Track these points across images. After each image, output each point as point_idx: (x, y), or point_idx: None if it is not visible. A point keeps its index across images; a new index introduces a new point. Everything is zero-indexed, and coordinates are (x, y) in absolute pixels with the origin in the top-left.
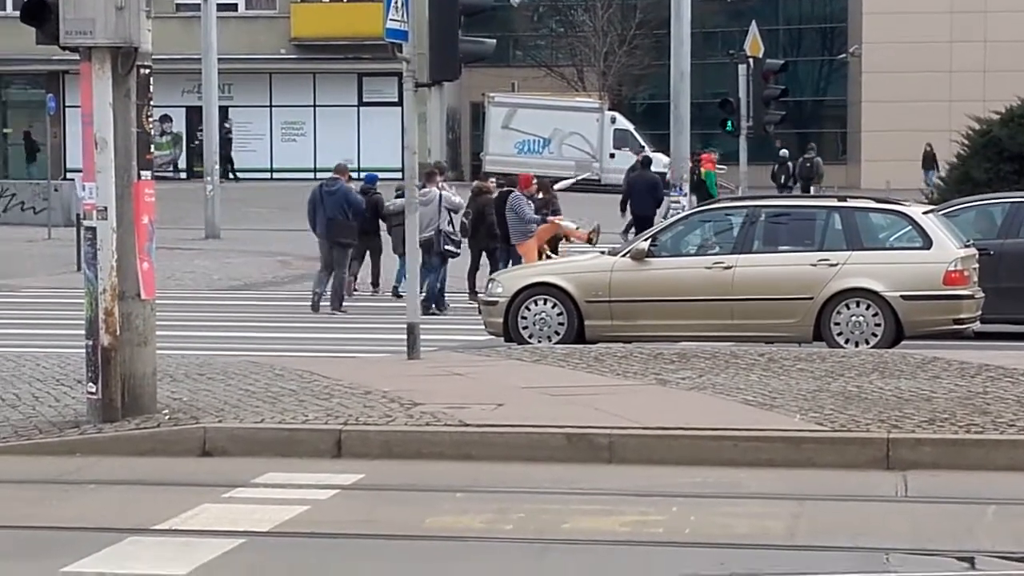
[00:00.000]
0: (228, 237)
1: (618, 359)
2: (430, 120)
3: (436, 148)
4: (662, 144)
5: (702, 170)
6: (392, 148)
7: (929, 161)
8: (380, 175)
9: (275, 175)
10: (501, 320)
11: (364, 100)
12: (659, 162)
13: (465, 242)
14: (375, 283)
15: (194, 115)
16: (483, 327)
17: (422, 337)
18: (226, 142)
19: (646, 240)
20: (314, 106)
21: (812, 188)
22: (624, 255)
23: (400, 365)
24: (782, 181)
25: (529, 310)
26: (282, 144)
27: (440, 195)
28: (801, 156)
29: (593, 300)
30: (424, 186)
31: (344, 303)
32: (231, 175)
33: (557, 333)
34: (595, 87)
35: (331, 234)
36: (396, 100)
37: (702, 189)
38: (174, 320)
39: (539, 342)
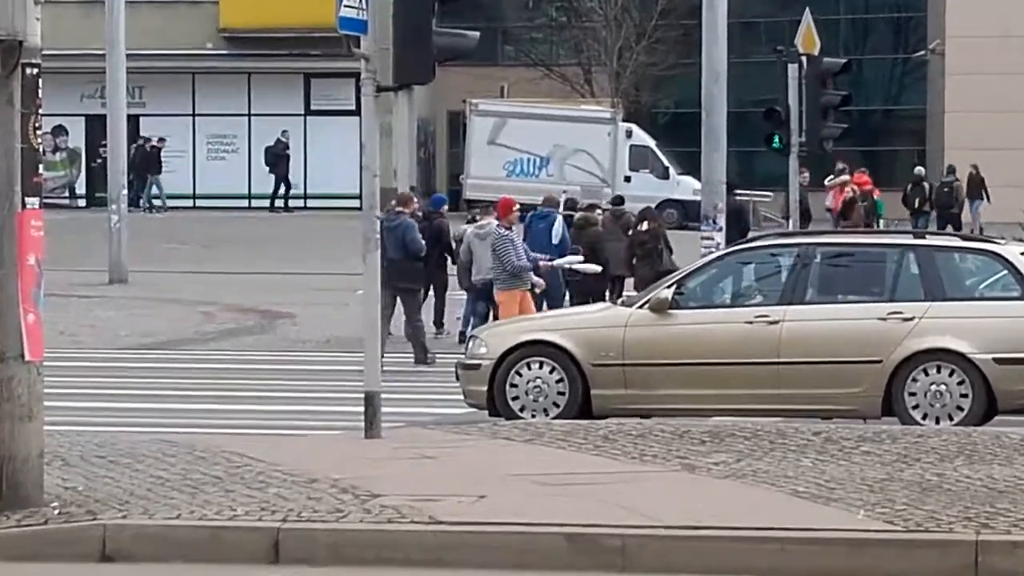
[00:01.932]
0: (138, 281)
1: (633, 438)
2: (396, 133)
3: (404, 169)
4: (691, 164)
5: (866, 195)
6: (347, 168)
7: (976, 187)
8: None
9: (199, 202)
10: (485, 388)
11: (312, 108)
12: (687, 187)
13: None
14: (439, 323)
15: (95, 126)
16: (461, 397)
17: (385, 409)
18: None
19: (669, 287)
20: (249, 115)
21: (955, 219)
22: (642, 306)
23: (356, 445)
24: (916, 206)
25: (520, 375)
26: (208, 163)
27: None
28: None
29: (602, 363)
30: (475, 218)
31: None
32: (283, 204)
33: (556, 405)
34: (606, 92)
35: (393, 278)
36: (353, 108)
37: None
38: (68, 387)
39: (533, 416)
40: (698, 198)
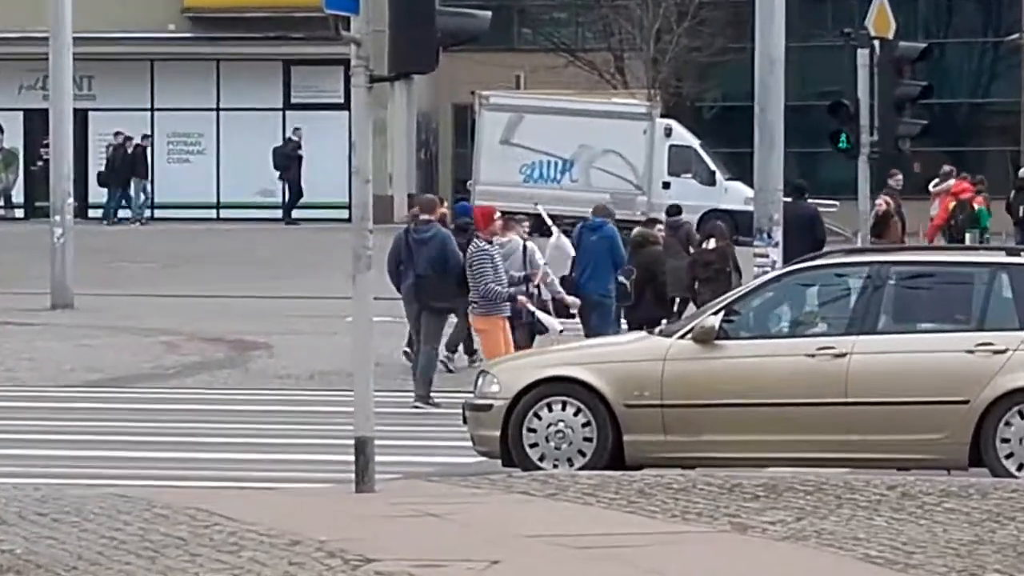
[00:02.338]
0: (87, 306)
1: (674, 493)
2: (392, 131)
3: (401, 172)
4: (741, 168)
5: (964, 205)
6: (334, 173)
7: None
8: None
9: (158, 212)
10: (498, 433)
11: (293, 101)
12: (738, 195)
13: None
14: (470, 351)
15: (36, 122)
16: (470, 443)
17: (380, 458)
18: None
19: (716, 313)
20: (217, 109)
21: None
22: (683, 335)
23: (346, 501)
24: (1021, 215)
25: (540, 418)
26: (169, 166)
27: (525, 246)
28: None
29: (636, 403)
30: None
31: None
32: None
33: (582, 453)
34: (641, 82)
35: (422, 296)
36: (341, 101)
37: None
38: (3, 432)
39: (555, 466)
40: (750, 208)
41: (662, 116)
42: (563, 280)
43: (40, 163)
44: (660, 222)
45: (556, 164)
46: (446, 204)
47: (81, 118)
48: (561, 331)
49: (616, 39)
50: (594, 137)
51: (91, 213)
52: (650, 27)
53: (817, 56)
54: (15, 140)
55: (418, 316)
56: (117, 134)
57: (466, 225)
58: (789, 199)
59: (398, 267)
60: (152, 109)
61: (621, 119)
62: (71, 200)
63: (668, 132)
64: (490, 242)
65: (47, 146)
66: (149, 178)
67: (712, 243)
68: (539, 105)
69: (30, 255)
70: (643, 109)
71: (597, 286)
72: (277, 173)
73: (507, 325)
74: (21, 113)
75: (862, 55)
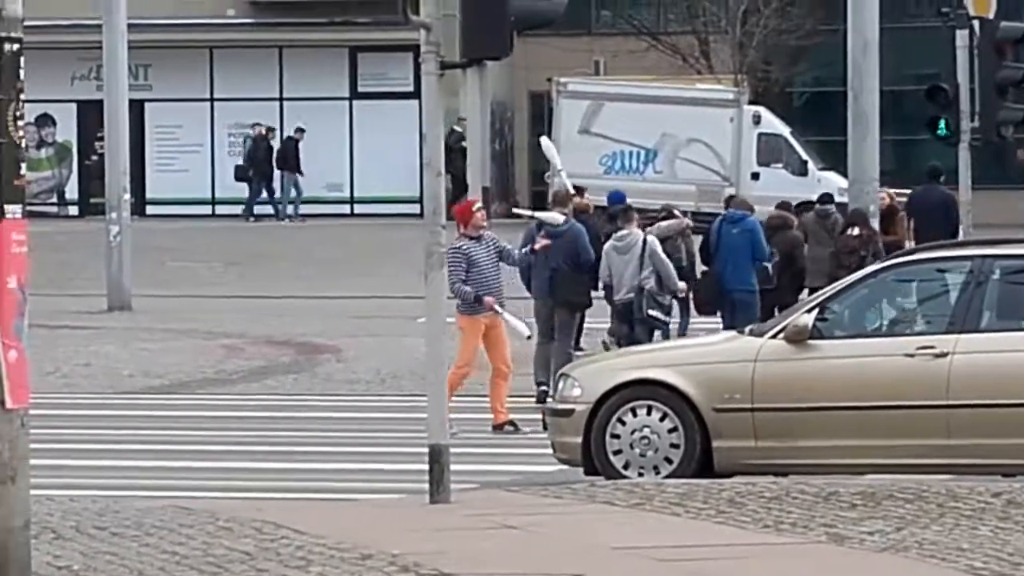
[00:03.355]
0: (145, 308)
1: (766, 502)
2: (466, 121)
3: (475, 164)
4: (835, 156)
5: None
6: (404, 165)
7: None
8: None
9: (218, 208)
10: (579, 440)
11: (360, 90)
12: (831, 186)
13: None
14: (577, 347)
15: (90, 114)
16: (550, 450)
17: (456, 467)
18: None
19: (810, 311)
20: (280, 99)
21: None
22: (775, 335)
23: (419, 512)
24: None
25: (624, 424)
26: (231, 159)
27: (646, 240)
28: None
29: (726, 407)
30: (619, 227)
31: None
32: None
33: (668, 460)
34: (728, 67)
35: (557, 290)
36: (410, 90)
37: None
38: (59, 441)
39: (640, 475)
40: (844, 199)
41: (750, 103)
42: (704, 274)
43: (95, 157)
44: (676, 214)
45: (638, 154)
46: (586, 194)
47: (137, 109)
48: (528, 336)
49: (700, 21)
50: (678, 126)
51: (149, 210)
52: (736, 8)
53: (913, 38)
54: (68, 133)
55: (549, 313)
56: (255, 126)
57: (616, 213)
58: (918, 186)
59: (529, 263)
60: (211, 99)
61: (706, 106)
62: (128, 196)
63: (756, 119)
64: (473, 237)
65: (102, 139)
66: (301, 172)
67: (856, 230)
68: (619, 92)
69: (85, 254)
70: (730, 95)
71: (739, 280)
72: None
73: (500, 326)
74: (74, 105)
75: (961, 36)
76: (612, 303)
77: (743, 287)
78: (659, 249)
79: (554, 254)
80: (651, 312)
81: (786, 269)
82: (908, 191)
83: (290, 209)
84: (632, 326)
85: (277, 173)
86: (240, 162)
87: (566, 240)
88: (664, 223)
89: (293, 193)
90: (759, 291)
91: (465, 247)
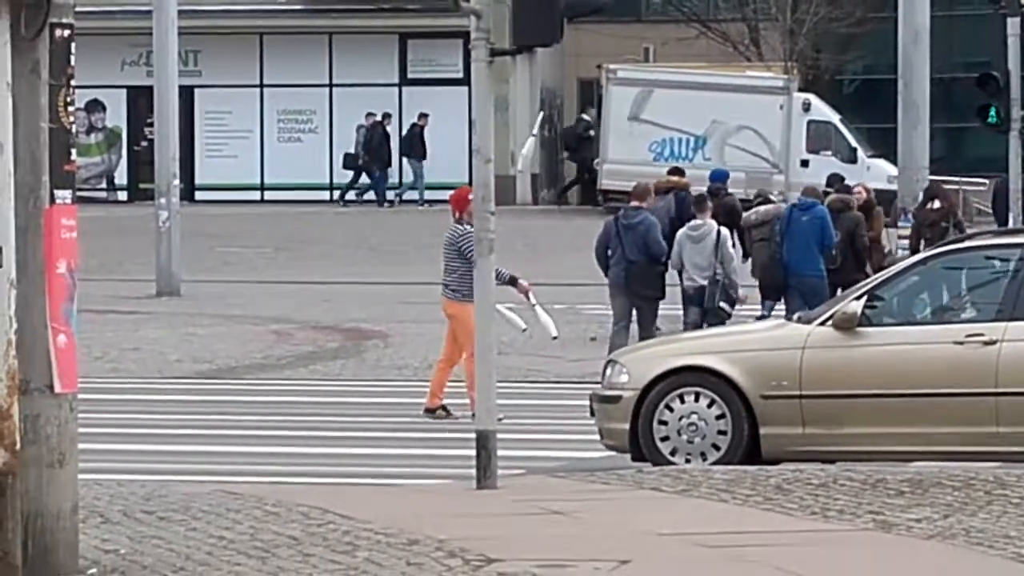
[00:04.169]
0: (193, 294)
1: (814, 489)
2: (515, 108)
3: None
4: (884, 144)
5: None
6: (454, 152)
7: None
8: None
9: (267, 194)
10: (626, 426)
11: (409, 76)
12: (880, 173)
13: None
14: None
15: (140, 100)
16: (597, 436)
17: (503, 452)
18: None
19: (859, 298)
20: (330, 85)
21: None
22: (823, 322)
23: (466, 498)
24: None
25: (671, 410)
26: (280, 145)
27: (719, 232)
28: None
29: (774, 394)
30: (693, 216)
31: None
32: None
33: (716, 447)
34: (777, 54)
35: (631, 282)
36: (460, 76)
37: None
38: (107, 426)
39: (687, 461)
40: (894, 187)
41: (800, 90)
42: (771, 260)
43: (144, 143)
44: (772, 199)
45: (688, 141)
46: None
47: (187, 95)
48: (524, 329)
49: (751, 8)
50: (728, 113)
51: (198, 195)
52: None
53: (964, 25)
54: (118, 119)
55: (624, 304)
56: (369, 115)
57: (717, 191)
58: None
59: (606, 252)
60: (261, 85)
61: (756, 93)
62: (177, 182)
63: (806, 107)
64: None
65: (152, 125)
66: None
67: (936, 203)
68: (669, 79)
69: (134, 240)
70: (780, 83)
71: (808, 267)
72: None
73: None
74: (124, 90)
75: (1012, 24)
76: (682, 289)
77: (813, 272)
78: (730, 243)
79: (629, 247)
80: (721, 304)
81: (849, 248)
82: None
83: (413, 194)
84: (702, 313)
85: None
86: (351, 150)
87: (639, 233)
88: (761, 208)
89: (410, 178)
90: (736, 298)
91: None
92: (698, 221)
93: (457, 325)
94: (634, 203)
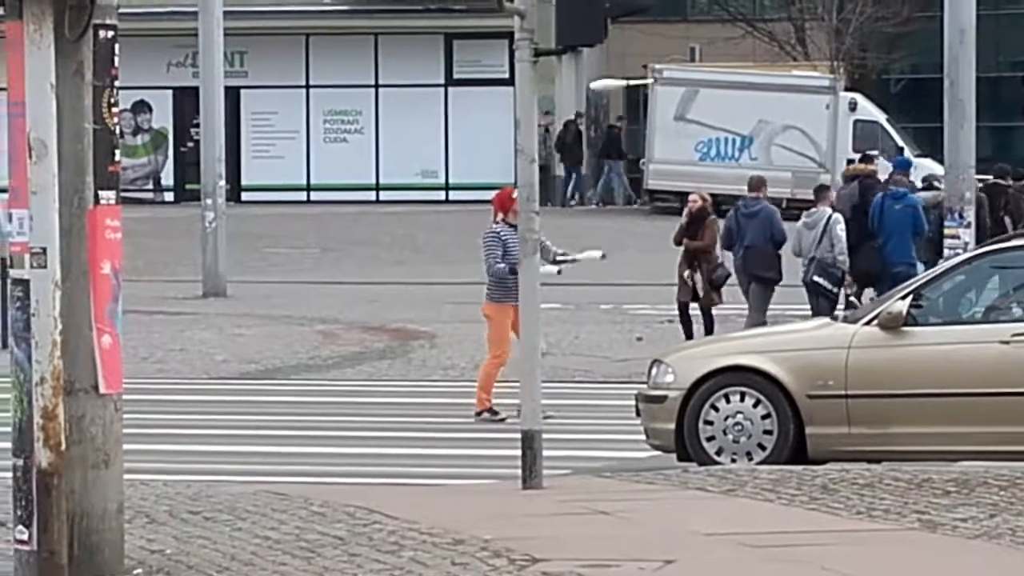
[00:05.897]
0: (240, 294)
1: (859, 488)
2: (560, 107)
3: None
4: (931, 143)
5: None
6: (498, 151)
7: None
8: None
9: (313, 194)
10: (672, 426)
11: (455, 76)
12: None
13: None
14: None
15: (186, 100)
16: (643, 436)
17: (548, 452)
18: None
19: (905, 298)
20: (376, 86)
21: None
22: (869, 322)
23: (511, 498)
24: None
25: (717, 410)
26: (326, 146)
27: (831, 217)
28: None
29: (820, 394)
30: (813, 205)
31: None
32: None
33: (761, 447)
34: (824, 53)
35: (749, 266)
36: (505, 76)
37: None
38: (153, 426)
39: (733, 461)
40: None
41: (846, 89)
42: (866, 248)
43: (191, 144)
44: (936, 186)
45: (734, 141)
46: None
47: (233, 96)
48: (603, 255)
49: (797, 8)
50: (774, 112)
51: (244, 196)
52: None
53: (1010, 24)
54: (164, 120)
55: (748, 284)
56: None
57: (902, 176)
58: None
59: (731, 242)
60: (307, 86)
61: (803, 93)
62: (223, 182)
63: (853, 106)
64: (511, 225)
65: (198, 126)
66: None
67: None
68: (715, 79)
69: (180, 241)
70: (826, 82)
71: (901, 255)
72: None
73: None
74: (170, 91)
75: None
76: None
77: (906, 261)
78: (840, 226)
79: (749, 232)
80: (815, 278)
81: (934, 245)
82: None
83: (617, 194)
84: (831, 301)
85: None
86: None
87: (760, 220)
88: (925, 194)
89: (605, 178)
90: (838, 278)
91: (503, 233)
92: (813, 209)
93: (488, 325)
94: (752, 194)
